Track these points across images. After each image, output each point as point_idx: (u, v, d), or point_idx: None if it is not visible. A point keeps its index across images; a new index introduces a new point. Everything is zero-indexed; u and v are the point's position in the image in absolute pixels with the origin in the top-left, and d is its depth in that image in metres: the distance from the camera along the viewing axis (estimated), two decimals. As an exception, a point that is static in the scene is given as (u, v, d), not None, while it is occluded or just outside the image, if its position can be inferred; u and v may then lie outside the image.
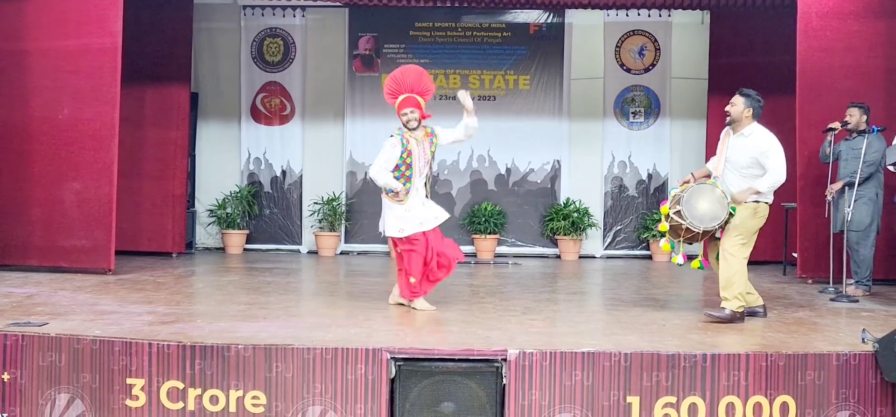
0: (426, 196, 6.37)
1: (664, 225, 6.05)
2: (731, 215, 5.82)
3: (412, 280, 6.23)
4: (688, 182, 6.15)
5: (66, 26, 8.14)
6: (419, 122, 6.27)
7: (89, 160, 8.11)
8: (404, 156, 6.19)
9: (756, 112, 5.95)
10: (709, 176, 6.15)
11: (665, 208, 6.03)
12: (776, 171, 5.81)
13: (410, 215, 6.21)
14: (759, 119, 5.98)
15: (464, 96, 6.29)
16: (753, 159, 5.87)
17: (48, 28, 8.18)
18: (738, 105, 5.95)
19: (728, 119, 6.02)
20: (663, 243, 6.12)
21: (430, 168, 6.40)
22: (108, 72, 8.07)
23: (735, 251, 5.84)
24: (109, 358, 4.79)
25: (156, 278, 7.98)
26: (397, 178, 6.21)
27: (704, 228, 5.85)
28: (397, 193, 6.18)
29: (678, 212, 5.88)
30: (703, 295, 7.41)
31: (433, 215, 6.30)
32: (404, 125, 6.26)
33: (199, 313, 6.08)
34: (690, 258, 6.31)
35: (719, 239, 5.97)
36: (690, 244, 6.11)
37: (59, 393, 4.84)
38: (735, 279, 5.83)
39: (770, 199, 5.96)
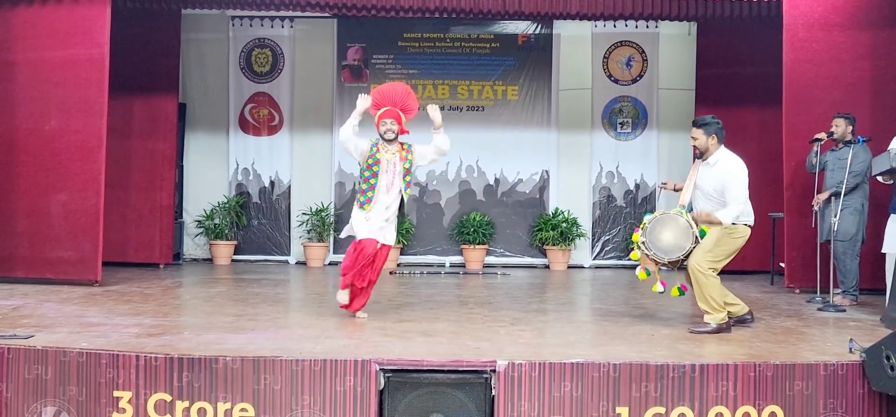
0: (396, 215, 6.30)
1: (635, 254, 6.07)
2: (697, 240, 5.84)
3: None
4: (666, 184, 6.22)
5: (54, 37, 8.11)
6: (396, 136, 6.26)
7: (76, 171, 8.07)
8: (371, 160, 6.19)
9: (720, 137, 5.97)
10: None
11: (636, 236, 6.04)
12: (735, 204, 5.81)
13: (368, 224, 6.20)
14: (725, 139, 6.00)
15: (433, 110, 6.32)
16: (720, 187, 5.88)
17: (35, 39, 8.15)
18: (699, 138, 5.97)
19: (696, 153, 6.05)
20: (639, 272, 6.14)
21: (403, 186, 6.28)
22: (96, 83, 8.05)
23: (705, 270, 5.83)
24: (96, 371, 4.76)
25: (143, 289, 7.93)
26: (362, 181, 6.24)
27: (669, 259, 5.88)
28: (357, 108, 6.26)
29: (645, 243, 5.91)
30: (691, 306, 7.41)
31: (390, 236, 6.29)
32: (381, 136, 6.25)
33: (187, 325, 6.05)
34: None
35: None
36: (671, 270, 6.13)
37: (46, 407, 4.80)
38: (708, 292, 5.84)
39: (749, 221, 5.97)
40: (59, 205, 8.11)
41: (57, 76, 8.12)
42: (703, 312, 5.93)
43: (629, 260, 10.92)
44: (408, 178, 6.28)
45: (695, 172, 6.08)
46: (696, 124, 6.02)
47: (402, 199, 6.30)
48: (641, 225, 6.03)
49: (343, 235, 6.43)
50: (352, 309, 6.32)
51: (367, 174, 6.21)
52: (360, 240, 6.21)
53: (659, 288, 6.12)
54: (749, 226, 5.97)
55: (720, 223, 5.81)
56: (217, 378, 4.70)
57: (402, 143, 6.32)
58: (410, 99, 6.43)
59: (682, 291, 6.20)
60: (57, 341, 5.10)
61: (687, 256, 5.89)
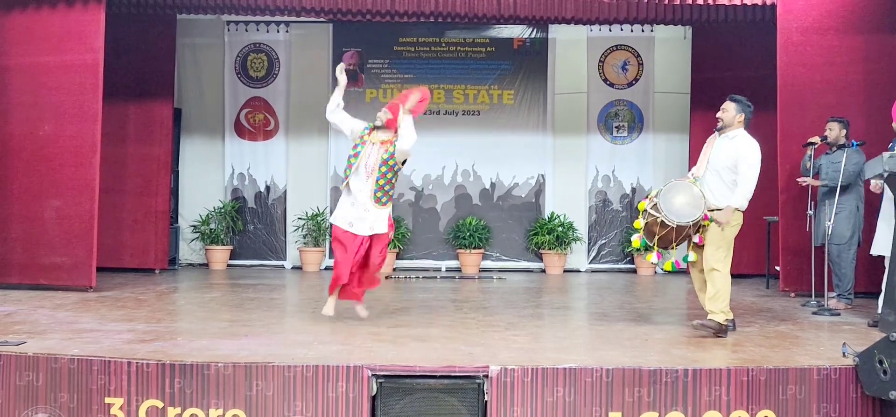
0: (375, 203, 6.22)
1: (639, 223, 6.06)
2: (707, 215, 5.84)
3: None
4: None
5: (48, 42, 8.10)
6: (384, 124, 6.25)
7: (70, 176, 8.06)
8: (358, 140, 6.28)
9: (747, 118, 6.03)
10: None
11: (643, 204, 6.07)
12: (747, 182, 5.84)
13: (343, 211, 6.27)
14: (748, 127, 6.03)
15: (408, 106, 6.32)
16: (733, 162, 5.89)
17: (30, 44, 8.14)
18: (730, 111, 6.01)
19: (719, 124, 6.04)
20: (634, 238, 6.13)
21: (380, 177, 6.20)
22: (90, 89, 8.04)
23: (719, 265, 5.87)
24: (88, 377, 4.74)
25: (137, 295, 7.92)
26: (349, 157, 6.30)
27: (679, 223, 5.84)
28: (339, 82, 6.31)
29: (655, 206, 5.91)
30: (685, 309, 7.42)
31: (367, 224, 6.22)
32: (373, 122, 6.34)
33: (181, 330, 6.04)
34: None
35: (698, 244, 5.99)
36: (664, 248, 6.09)
37: (37, 413, 4.78)
38: (722, 292, 5.86)
39: (743, 206, 5.96)
40: (53, 211, 8.09)
41: (51, 81, 8.11)
42: (708, 311, 5.91)
43: (624, 264, 11.03)
44: (383, 169, 6.19)
45: (710, 147, 6.09)
46: (731, 98, 6.05)
47: (395, 169, 6.26)
48: (648, 196, 6.09)
49: (333, 221, 6.38)
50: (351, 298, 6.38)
51: (350, 152, 6.32)
52: (333, 229, 6.32)
53: (653, 258, 6.10)
54: (741, 211, 5.97)
55: (736, 209, 5.83)
56: (209, 385, 4.69)
57: (389, 137, 6.25)
58: (414, 101, 6.36)
59: (675, 266, 6.17)
60: (49, 347, 5.08)
61: (695, 226, 5.89)
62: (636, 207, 10.83)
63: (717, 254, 5.88)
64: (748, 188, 5.85)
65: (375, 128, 6.31)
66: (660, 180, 10.91)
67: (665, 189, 5.95)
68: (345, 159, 10.29)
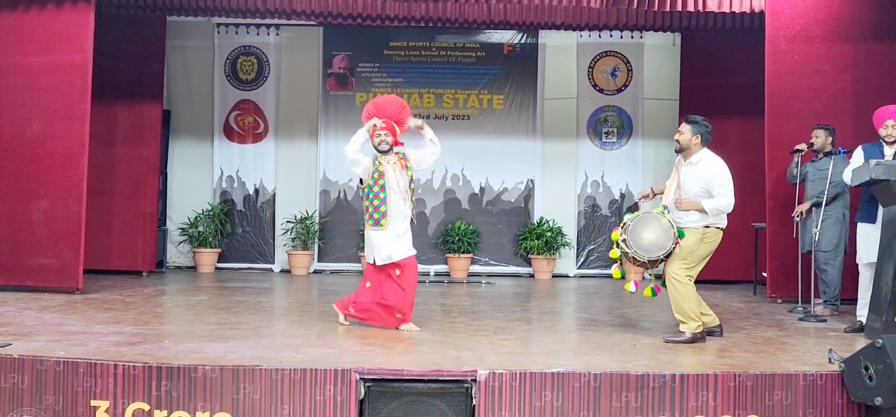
0: (411, 222, 6.32)
1: (615, 252, 6.09)
2: (678, 240, 5.86)
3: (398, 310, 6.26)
4: (647, 196, 6.23)
5: (36, 43, 8.07)
6: (391, 147, 6.31)
7: (58, 177, 8.02)
8: (376, 175, 6.20)
9: (705, 138, 5.97)
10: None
11: (615, 234, 6.06)
12: (722, 196, 5.81)
13: (401, 240, 6.22)
14: (710, 144, 6.02)
15: (414, 122, 6.46)
16: (703, 187, 5.87)
17: (18, 44, 8.10)
18: (685, 133, 5.97)
19: (676, 147, 6.05)
20: (614, 269, 6.17)
21: (413, 194, 6.37)
22: (79, 89, 8.01)
23: (680, 276, 5.88)
24: (74, 380, 4.71)
25: (125, 297, 7.88)
26: (372, 198, 6.19)
27: (649, 258, 5.88)
28: (368, 132, 6.27)
29: (625, 241, 5.92)
30: (673, 316, 7.44)
31: (409, 246, 6.28)
32: (376, 148, 6.31)
33: (168, 333, 6.01)
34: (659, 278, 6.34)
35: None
36: (647, 269, 6.12)
37: (22, 415, 4.75)
38: (684, 303, 5.87)
39: (722, 224, 5.95)
40: (41, 212, 8.05)
41: (39, 82, 8.07)
42: (678, 322, 5.95)
43: (613, 269, 11.05)
44: (412, 186, 6.33)
45: (677, 172, 6.08)
46: (686, 120, 6.04)
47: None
48: (622, 224, 6.05)
49: (380, 262, 6.23)
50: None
51: (375, 189, 6.20)
52: (401, 263, 6.19)
53: (631, 287, 6.14)
54: (721, 230, 5.95)
55: (704, 211, 5.81)
56: (196, 387, 4.67)
57: (398, 154, 6.36)
58: (404, 112, 6.50)
59: (654, 292, 6.21)
60: (34, 349, 5.06)
61: (667, 256, 5.91)
62: (624, 214, 10.93)
63: (681, 266, 5.87)
64: (724, 201, 5.81)
65: (382, 152, 6.30)
66: (648, 185, 10.79)
67: (632, 224, 5.91)
68: (331, 171, 10.43)
